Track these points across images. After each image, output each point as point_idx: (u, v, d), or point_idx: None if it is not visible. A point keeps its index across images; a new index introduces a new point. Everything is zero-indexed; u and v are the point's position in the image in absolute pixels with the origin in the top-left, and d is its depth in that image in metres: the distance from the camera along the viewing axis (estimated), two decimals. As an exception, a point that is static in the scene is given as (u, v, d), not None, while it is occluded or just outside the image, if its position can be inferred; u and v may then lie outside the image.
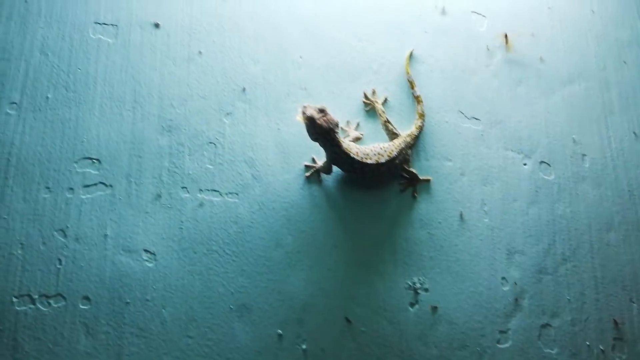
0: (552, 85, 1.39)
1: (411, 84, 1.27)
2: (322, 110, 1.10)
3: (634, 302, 1.23)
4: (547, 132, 1.33)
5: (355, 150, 1.12)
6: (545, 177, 1.29)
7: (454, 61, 1.35)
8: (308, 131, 1.10)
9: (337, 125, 1.11)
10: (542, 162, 1.30)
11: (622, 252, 1.27)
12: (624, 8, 1.53)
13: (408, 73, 1.27)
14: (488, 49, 1.37)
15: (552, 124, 1.34)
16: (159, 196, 1.09)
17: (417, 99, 1.26)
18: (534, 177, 1.28)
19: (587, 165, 1.33)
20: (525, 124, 1.33)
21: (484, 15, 1.41)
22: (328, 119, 1.10)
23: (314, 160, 1.19)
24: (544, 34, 1.43)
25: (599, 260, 1.25)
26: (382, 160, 1.12)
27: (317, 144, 1.12)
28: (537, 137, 1.32)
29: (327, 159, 1.14)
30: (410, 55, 1.29)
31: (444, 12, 1.39)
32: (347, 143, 1.13)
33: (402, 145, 1.16)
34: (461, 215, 1.20)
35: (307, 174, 1.17)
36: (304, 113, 1.09)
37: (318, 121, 1.08)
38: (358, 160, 1.11)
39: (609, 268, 1.25)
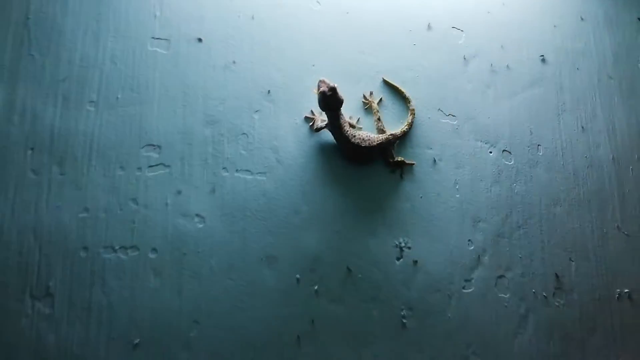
0: (516, 88, 1.71)
1: (402, 93, 1.60)
2: (332, 89, 1.39)
3: (572, 261, 1.57)
4: (510, 126, 1.66)
5: (347, 129, 1.45)
6: (506, 162, 1.62)
7: (437, 69, 1.67)
8: (318, 102, 1.42)
9: (341, 103, 1.42)
10: (504, 150, 1.63)
11: (565, 222, 1.61)
12: (581, 24, 1.84)
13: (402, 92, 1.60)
14: (465, 59, 1.69)
15: (514, 120, 1.67)
16: (205, 174, 1.43)
17: (407, 100, 1.59)
18: (497, 162, 1.61)
19: (540, 153, 1.66)
20: (493, 119, 1.66)
21: (462, 30, 1.73)
22: (336, 97, 1.40)
23: (312, 112, 1.52)
24: (512, 46, 1.75)
25: (546, 228, 1.59)
26: (363, 144, 1.44)
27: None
28: (502, 130, 1.65)
29: (326, 125, 1.47)
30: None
31: (429, 28, 1.70)
32: (344, 120, 1.46)
33: (383, 139, 1.49)
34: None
35: (311, 124, 1.50)
36: (319, 87, 1.40)
37: (329, 96, 1.39)
38: (347, 138, 1.44)
39: (554, 234, 1.59)
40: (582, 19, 1.85)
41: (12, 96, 1.37)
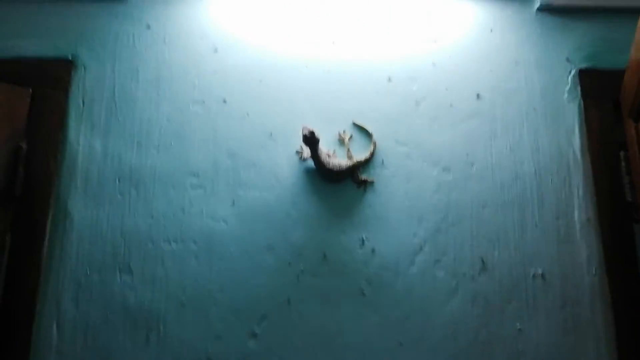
0: (457, 120, 2.26)
1: (366, 130, 2.22)
2: (311, 132, 2.02)
3: (495, 249, 2.11)
4: (450, 150, 2.22)
5: (324, 158, 2.09)
6: (446, 177, 2.19)
7: (395, 109, 2.25)
8: (302, 140, 2.05)
9: (318, 141, 2.05)
10: (444, 168, 2.20)
11: (491, 221, 2.14)
12: (515, 67, 2.36)
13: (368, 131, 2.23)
14: (416, 102, 2.28)
15: (454, 145, 2.22)
16: (228, 192, 2.13)
17: (371, 135, 2.21)
18: (437, 178, 2.18)
19: (474, 170, 2.21)
20: (437, 145, 2.22)
21: (415, 80, 2.32)
22: (313, 138, 2.04)
23: (301, 147, 2.15)
24: (455, 88, 2.32)
25: (475, 225, 2.12)
26: (335, 169, 2.08)
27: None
28: (443, 154, 2.21)
29: (310, 156, 2.11)
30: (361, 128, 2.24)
31: (389, 80, 2.31)
32: (322, 152, 2.10)
33: (350, 165, 2.10)
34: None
35: (299, 156, 2.17)
36: (303, 130, 2.04)
37: (309, 137, 2.03)
38: (324, 165, 2.08)
39: (481, 230, 2.12)
40: (516, 63, 2.38)
41: (106, 145, 2.15)
